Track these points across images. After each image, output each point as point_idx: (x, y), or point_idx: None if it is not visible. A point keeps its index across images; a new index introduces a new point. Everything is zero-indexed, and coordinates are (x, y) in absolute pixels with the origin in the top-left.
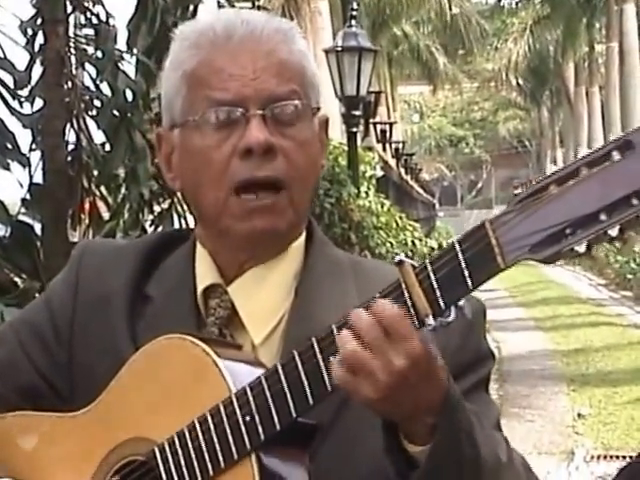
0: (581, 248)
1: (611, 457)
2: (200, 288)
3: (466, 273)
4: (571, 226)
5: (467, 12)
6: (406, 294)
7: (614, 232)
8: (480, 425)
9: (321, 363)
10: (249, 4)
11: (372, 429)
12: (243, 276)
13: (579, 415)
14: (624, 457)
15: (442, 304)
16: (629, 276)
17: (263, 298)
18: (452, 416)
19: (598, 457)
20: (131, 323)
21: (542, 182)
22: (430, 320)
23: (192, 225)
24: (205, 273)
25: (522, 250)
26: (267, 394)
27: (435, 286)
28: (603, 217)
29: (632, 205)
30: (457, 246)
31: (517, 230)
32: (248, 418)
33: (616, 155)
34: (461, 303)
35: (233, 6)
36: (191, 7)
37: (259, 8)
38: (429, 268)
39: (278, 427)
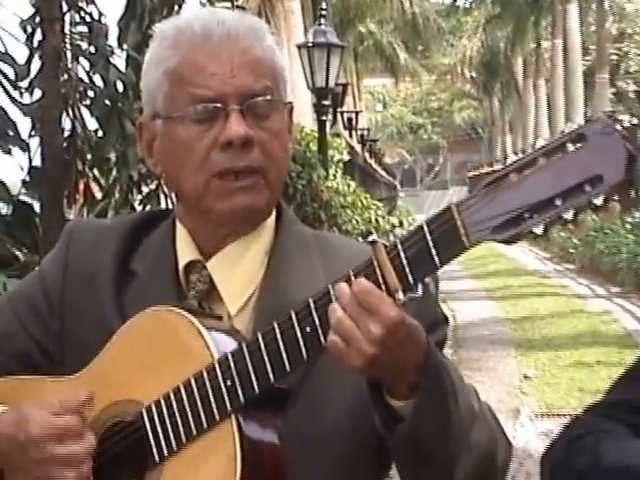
0: (539, 230)
1: (554, 415)
2: (182, 264)
3: (434, 252)
4: (529, 211)
5: (426, 11)
6: (378, 271)
7: (569, 216)
8: (458, 378)
9: (298, 334)
10: (228, 4)
11: (336, 390)
12: (220, 252)
13: (525, 377)
14: (565, 415)
15: (411, 280)
16: (572, 250)
17: (239, 273)
18: (435, 373)
19: (542, 415)
20: (118, 296)
21: (503, 170)
22: (400, 295)
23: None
24: (185, 250)
25: (485, 232)
26: (247, 361)
27: (405, 264)
28: (558, 202)
29: (585, 192)
30: (425, 227)
31: (481, 213)
32: (229, 382)
33: (570, 146)
34: (427, 280)
35: (213, 6)
36: (176, 7)
37: (237, 8)
38: (399, 247)
39: (257, 391)
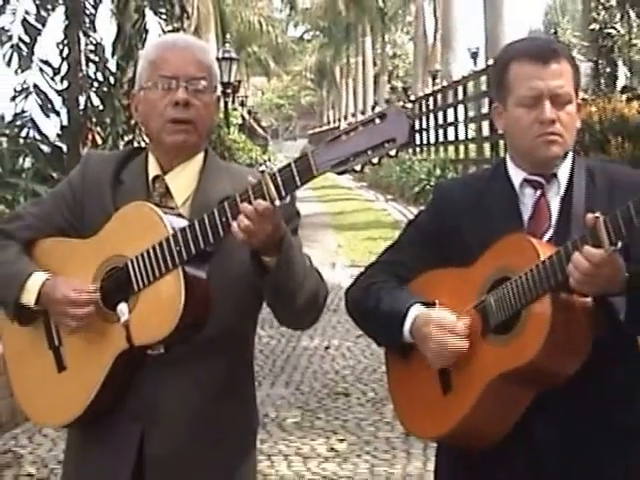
0: (358, 168)
1: (356, 266)
2: (150, 177)
3: (297, 178)
4: (352, 156)
5: (285, 41)
6: (264, 188)
7: (375, 160)
8: (299, 249)
9: (217, 221)
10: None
11: (237, 254)
12: (172, 171)
13: (339, 245)
14: (362, 266)
15: (283, 194)
16: (366, 175)
17: (182, 182)
18: (287, 246)
19: (349, 266)
20: (113, 195)
21: (338, 133)
22: (277, 202)
23: (143, 145)
24: (153, 169)
25: (327, 167)
26: (189, 236)
27: (280, 184)
28: (369, 153)
29: (385, 147)
30: (292, 163)
31: (324, 157)
32: (178, 248)
33: (377, 120)
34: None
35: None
36: (144, 35)
37: None
38: (277, 174)
39: (194, 253)
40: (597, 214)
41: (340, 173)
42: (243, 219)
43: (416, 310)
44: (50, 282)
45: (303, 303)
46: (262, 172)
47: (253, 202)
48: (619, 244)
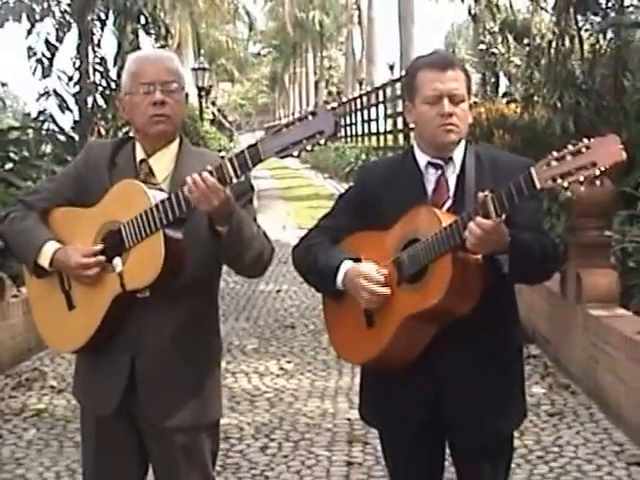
0: (296, 154)
1: (302, 229)
2: (138, 160)
3: (249, 161)
4: (292, 144)
5: (246, 56)
6: (224, 169)
7: (309, 147)
8: (248, 219)
9: (188, 196)
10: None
11: (205, 221)
12: (155, 155)
13: (288, 213)
14: (306, 229)
15: (239, 173)
16: (308, 159)
17: (162, 164)
18: (237, 217)
19: (297, 228)
20: (109, 175)
21: (280, 125)
22: (234, 180)
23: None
24: (139, 153)
25: (271, 153)
26: (167, 207)
27: (236, 166)
28: (304, 141)
29: (315, 137)
30: (245, 150)
31: (269, 145)
32: (159, 215)
33: (310, 117)
34: (248, 173)
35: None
36: (137, 50)
37: None
38: (234, 158)
39: (171, 219)
40: (486, 192)
41: (282, 157)
42: (192, 189)
43: (346, 265)
44: (61, 251)
45: (249, 261)
46: (222, 157)
47: (206, 178)
48: (503, 216)
